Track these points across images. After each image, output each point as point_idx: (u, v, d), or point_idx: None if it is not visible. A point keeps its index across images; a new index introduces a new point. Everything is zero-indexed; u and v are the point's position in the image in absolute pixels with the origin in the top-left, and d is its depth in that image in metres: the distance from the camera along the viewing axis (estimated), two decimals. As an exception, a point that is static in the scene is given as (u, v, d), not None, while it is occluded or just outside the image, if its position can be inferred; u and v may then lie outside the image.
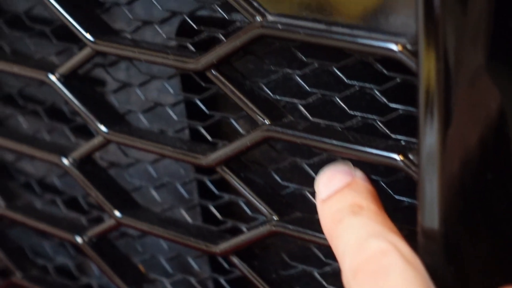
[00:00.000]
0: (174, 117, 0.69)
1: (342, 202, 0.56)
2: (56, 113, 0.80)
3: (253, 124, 0.63)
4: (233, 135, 0.69)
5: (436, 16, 0.47)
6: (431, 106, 0.48)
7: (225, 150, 0.63)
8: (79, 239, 0.75)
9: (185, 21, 0.66)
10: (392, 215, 0.56)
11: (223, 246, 0.66)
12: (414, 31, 0.49)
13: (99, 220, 0.80)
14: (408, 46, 0.51)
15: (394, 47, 0.52)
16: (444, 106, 0.48)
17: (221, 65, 0.61)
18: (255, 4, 0.58)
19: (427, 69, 0.48)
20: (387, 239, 0.51)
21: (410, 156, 0.54)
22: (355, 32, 0.53)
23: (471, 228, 0.50)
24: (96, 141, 0.70)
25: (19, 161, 0.85)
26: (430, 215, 0.51)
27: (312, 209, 0.64)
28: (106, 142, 0.70)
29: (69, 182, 0.82)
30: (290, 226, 0.62)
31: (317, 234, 0.61)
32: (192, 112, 0.70)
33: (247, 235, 0.64)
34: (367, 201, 0.55)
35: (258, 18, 0.57)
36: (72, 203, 0.82)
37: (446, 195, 0.50)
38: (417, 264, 0.50)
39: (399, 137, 0.57)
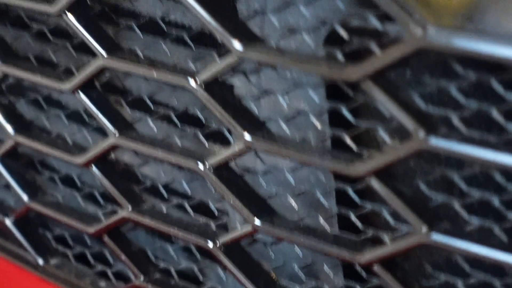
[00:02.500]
0: (318, 125, 0.72)
1: None
2: (185, 118, 0.83)
3: (398, 136, 0.66)
4: (372, 146, 0.72)
5: None
6: None
7: (377, 161, 0.65)
8: (210, 244, 0.79)
9: (333, 30, 0.69)
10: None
11: (368, 255, 0.69)
12: None
13: (224, 225, 0.84)
14: None
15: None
16: None
17: (377, 75, 0.64)
18: (416, 16, 0.60)
19: None
20: None
21: None
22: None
23: None
24: (236, 147, 0.74)
25: (142, 165, 0.89)
26: None
27: (459, 221, 0.67)
28: (247, 149, 0.73)
29: (193, 187, 0.86)
30: (442, 238, 0.64)
31: (468, 245, 0.63)
32: (334, 121, 0.73)
33: (395, 245, 0.67)
34: None
35: (419, 31, 0.60)
36: (196, 208, 0.85)
37: None
38: None
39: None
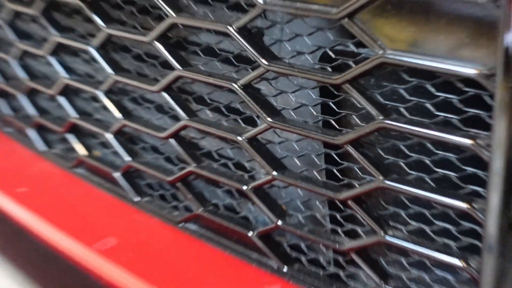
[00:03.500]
0: (314, 112, 0.72)
1: None
2: (229, 108, 0.83)
3: (365, 120, 0.66)
4: (348, 126, 0.72)
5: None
6: (504, 110, 0.51)
7: (352, 135, 0.66)
8: (244, 187, 0.79)
9: (325, 52, 0.69)
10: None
11: (345, 194, 0.69)
12: (491, 63, 0.52)
13: (253, 176, 0.84)
14: (485, 71, 0.54)
15: (474, 71, 0.55)
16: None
17: (353, 81, 0.64)
18: (379, 42, 0.61)
19: (502, 88, 0.51)
20: None
21: (478, 141, 0.57)
22: (446, 61, 0.56)
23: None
24: (262, 127, 0.74)
25: (202, 138, 0.89)
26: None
27: (403, 173, 0.67)
28: (269, 128, 0.73)
29: (234, 152, 0.86)
30: (393, 183, 0.65)
31: (409, 188, 0.63)
32: (324, 110, 0.73)
33: (362, 188, 0.67)
34: None
35: (381, 52, 0.60)
36: (235, 165, 0.85)
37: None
38: None
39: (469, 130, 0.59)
